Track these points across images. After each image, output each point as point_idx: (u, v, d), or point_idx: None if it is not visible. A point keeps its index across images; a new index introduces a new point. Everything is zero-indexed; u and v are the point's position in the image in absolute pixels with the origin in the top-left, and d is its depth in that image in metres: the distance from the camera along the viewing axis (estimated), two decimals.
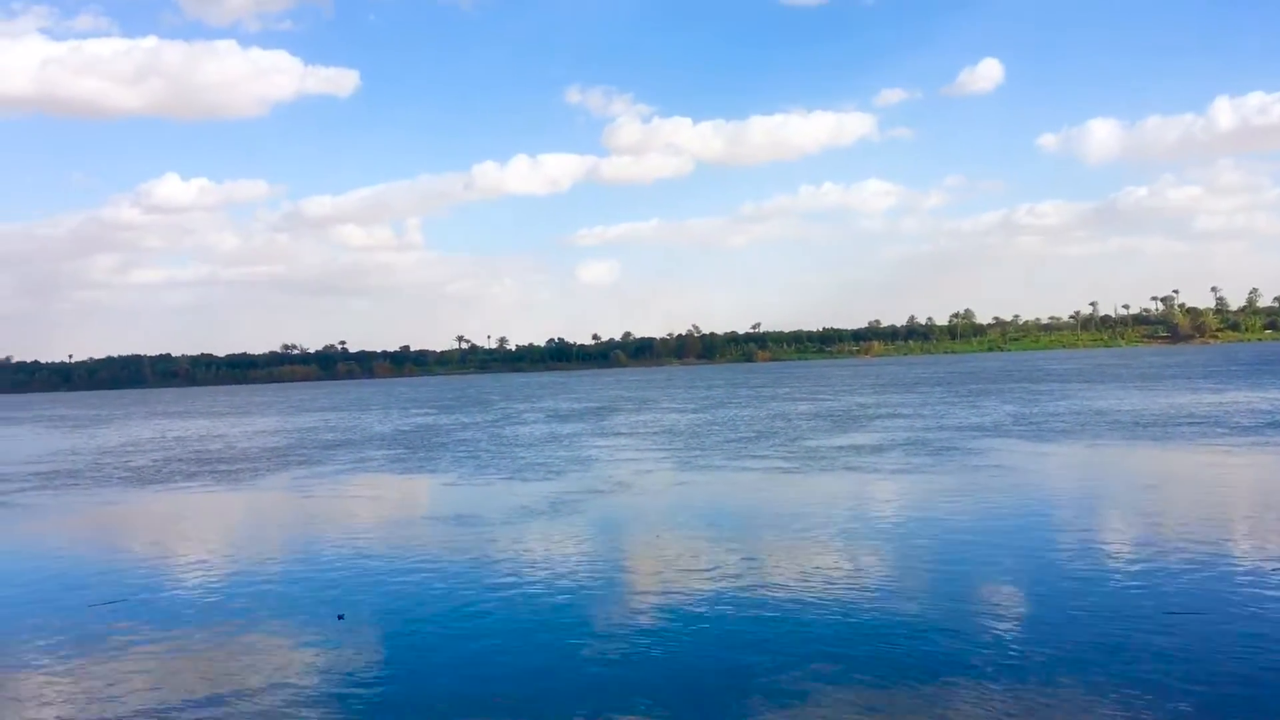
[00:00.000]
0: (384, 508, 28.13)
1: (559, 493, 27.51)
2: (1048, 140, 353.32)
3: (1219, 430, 36.80)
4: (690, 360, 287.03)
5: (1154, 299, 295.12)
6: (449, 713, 11.08)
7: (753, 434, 45.00)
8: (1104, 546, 17.93)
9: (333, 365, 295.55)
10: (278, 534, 24.32)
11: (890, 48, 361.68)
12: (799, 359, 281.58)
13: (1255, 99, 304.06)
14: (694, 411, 65.60)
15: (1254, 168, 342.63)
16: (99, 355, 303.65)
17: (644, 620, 14.31)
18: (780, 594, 15.33)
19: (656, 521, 23.03)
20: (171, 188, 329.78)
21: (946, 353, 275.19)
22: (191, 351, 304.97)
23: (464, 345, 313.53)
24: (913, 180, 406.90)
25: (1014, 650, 12.14)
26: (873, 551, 18.27)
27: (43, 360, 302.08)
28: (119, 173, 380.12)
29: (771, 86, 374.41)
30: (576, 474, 32.00)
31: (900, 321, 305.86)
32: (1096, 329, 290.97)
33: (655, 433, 48.76)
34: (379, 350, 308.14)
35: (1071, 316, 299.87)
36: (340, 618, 15.09)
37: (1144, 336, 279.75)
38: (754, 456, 35.18)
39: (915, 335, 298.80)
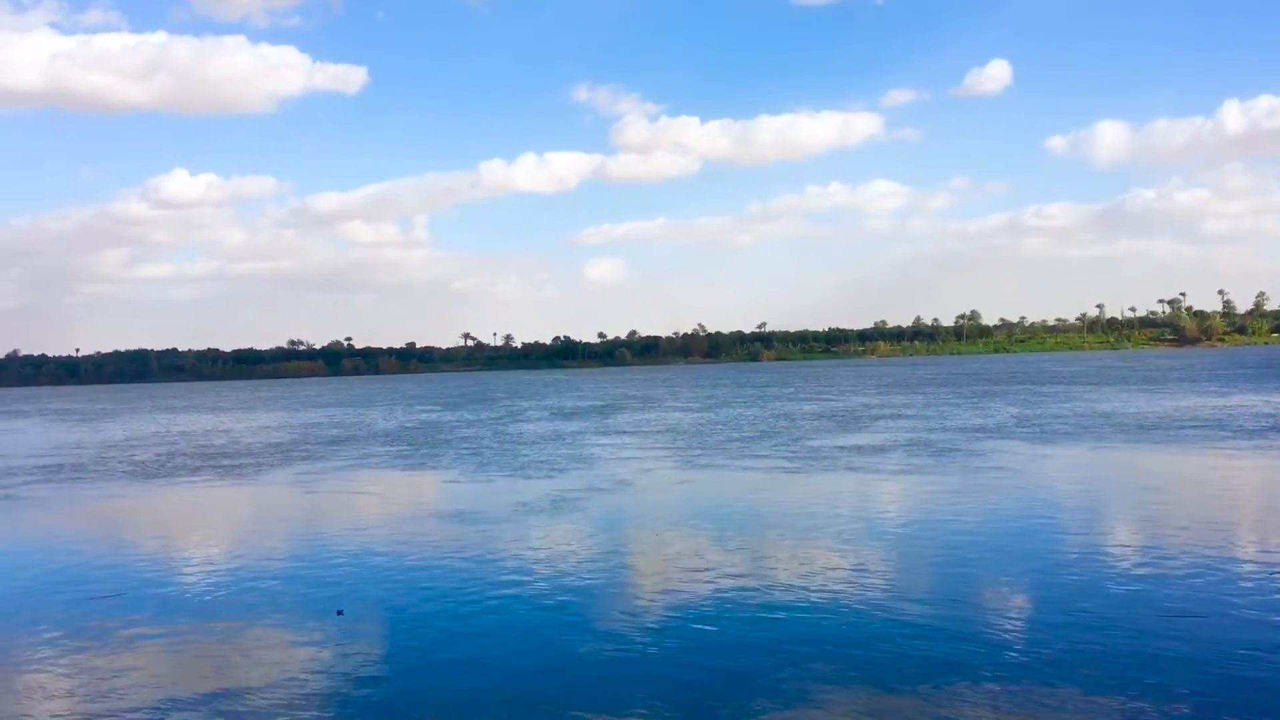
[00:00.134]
0: (386, 504, 28.17)
1: (560, 490, 27.55)
2: (1055, 142, 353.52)
3: (1223, 433, 36.73)
4: (696, 359, 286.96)
5: (1161, 302, 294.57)
6: (446, 710, 11.09)
7: (755, 433, 45.01)
8: (1105, 549, 17.91)
9: (339, 361, 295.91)
10: (279, 529, 24.37)
11: (898, 48, 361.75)
12: (804, 359, 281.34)
13: (1264, 102, 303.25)
14: (697, 410, 65.63)
15: (1262, 171, 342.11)
16: (106, 349, 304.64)
17: (643, 619, 14.31)
18: (780, 594, 15.34)
19: (657, 520, 23.05)
20: (180, 183, 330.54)
21: (952, 354, 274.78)
22: (198, 346, 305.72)
23: (470, 342, 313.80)
24: (920, 181, 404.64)
25: (1014, 652, 12.14)
26: (873, 552, 18.27)
27: (50, 354, 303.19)
28: (127, 168, 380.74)
29: (779, 86, 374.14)
30: (578, 472, 32.04)
31: (906, 322, 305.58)
32: (1103, 331, 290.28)
33: (658, 431, 48.79)
34: (385, 347, 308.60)
35: (1078, 319, 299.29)
36: (339, 613, 15.13)
37: (1150, 339, 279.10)
38: (756, 456, 35.19)
39: (921, 336, 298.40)
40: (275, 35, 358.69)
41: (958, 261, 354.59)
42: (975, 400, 64.07)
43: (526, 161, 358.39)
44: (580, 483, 29.19)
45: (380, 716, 10.92)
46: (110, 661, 13.11)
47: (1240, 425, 39.77)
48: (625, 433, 48.61)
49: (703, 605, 14.83)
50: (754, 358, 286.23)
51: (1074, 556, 17.29)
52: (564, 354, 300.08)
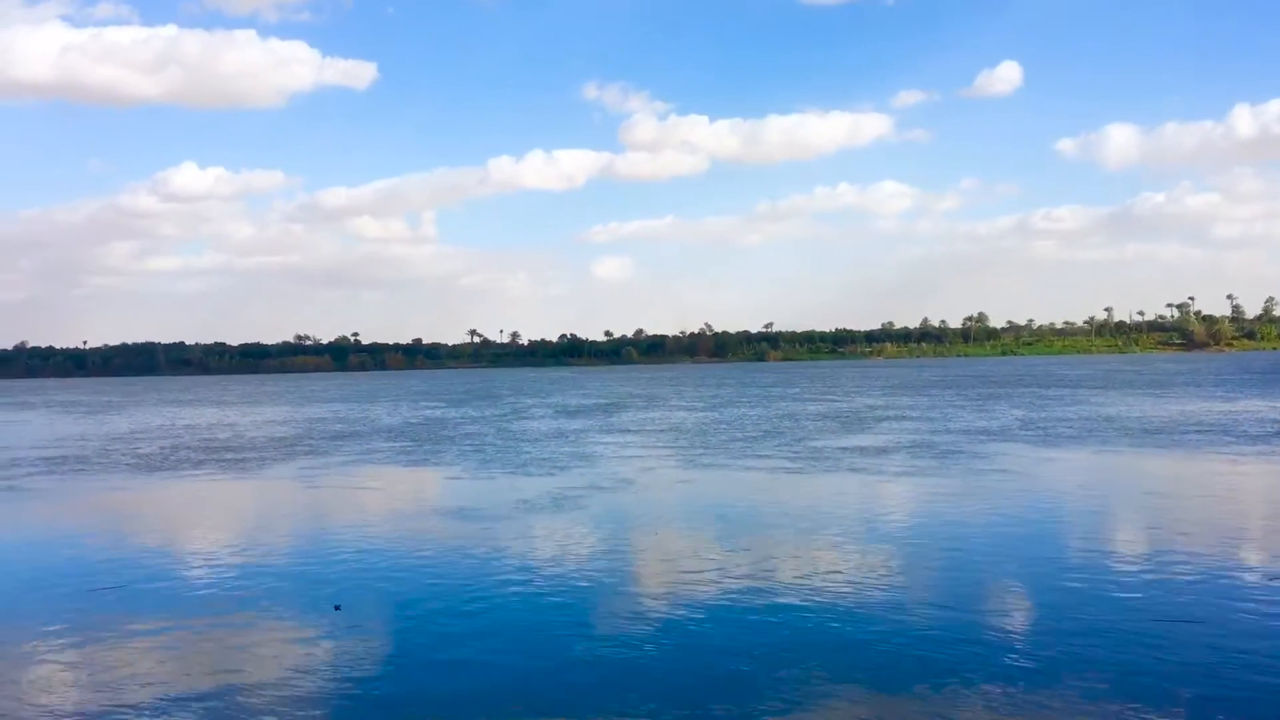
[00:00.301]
0: (387, 500, 28.20)
1: (561, 488, 27.56)
2: (1065, 144, 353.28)
3: (1227, 439, 36.63)
4: (702, 359, 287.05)
5: (1169, 306, 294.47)
6: (441, 709, 11.10)
7: (759, 433, 44.99)
8: (1105, 553, 17.86)
9: (345, 357, 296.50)
10: (281, 523, 24.42)
11: (908, 49, 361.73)
12: (811, 359, 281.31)
13: (1275, 106, 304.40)
14: (702, 410, 65.61)
15: (1273, 176, 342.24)
16: (114, 342, 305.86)
17: (641, 619, 14.30)
18: (780, 595, 15.32)
19: (658, 520, 23.05)
20: (188, 176, 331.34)
21: (959, 356, 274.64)
22: (205, 340, 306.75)
23: (476, 339, 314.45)
24: (928, 182, 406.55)
25: (1014, 655, 12.11)
26: (874, 554, 18.24)
27: (57, 346, 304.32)
28: (136, 160, 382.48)
29: (789, 86, 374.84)
30: (580, 470, 32.05)
31: (913, 324, 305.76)
32: (1111, 335, 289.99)
33: (662, 430, 48.80)
34: (391, 343, 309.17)
35: (1086, 322, 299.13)
36: (337, 608, 15.14)
37: (1159, 343, 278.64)
38: (758, 456, 35.17)
39: (928, 338, 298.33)
40: (285, 30, 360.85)
41: (966, 263, 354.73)
42: (980, 403, 63.98)
43: (535, 159, 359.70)
44: (582, 481, 29.20)
45: (372, 713, 10.93)
46: (108, 654, 13.14)
47: (1244, 431, 39.66)
48: (628, 431, 48.62)
49: (703, 606, 14.81)
50: (760, 358, 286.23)
51: (1074, 560, 17.26)
52: (570, 352, 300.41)
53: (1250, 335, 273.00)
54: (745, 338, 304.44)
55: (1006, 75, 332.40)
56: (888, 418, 52.72)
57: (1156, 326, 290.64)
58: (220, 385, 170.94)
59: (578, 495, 26.23)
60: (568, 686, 11.53)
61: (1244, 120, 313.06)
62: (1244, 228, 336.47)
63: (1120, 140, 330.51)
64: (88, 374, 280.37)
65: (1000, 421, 47.93)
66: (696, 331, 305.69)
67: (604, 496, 26.17)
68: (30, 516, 25.96)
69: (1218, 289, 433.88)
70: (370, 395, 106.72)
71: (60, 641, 13.76)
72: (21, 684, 12.08)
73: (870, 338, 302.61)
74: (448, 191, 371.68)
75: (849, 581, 16.02)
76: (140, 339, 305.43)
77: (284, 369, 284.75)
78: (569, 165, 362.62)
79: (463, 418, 62.33)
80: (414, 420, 60.92)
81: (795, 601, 14.87)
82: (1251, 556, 17.49)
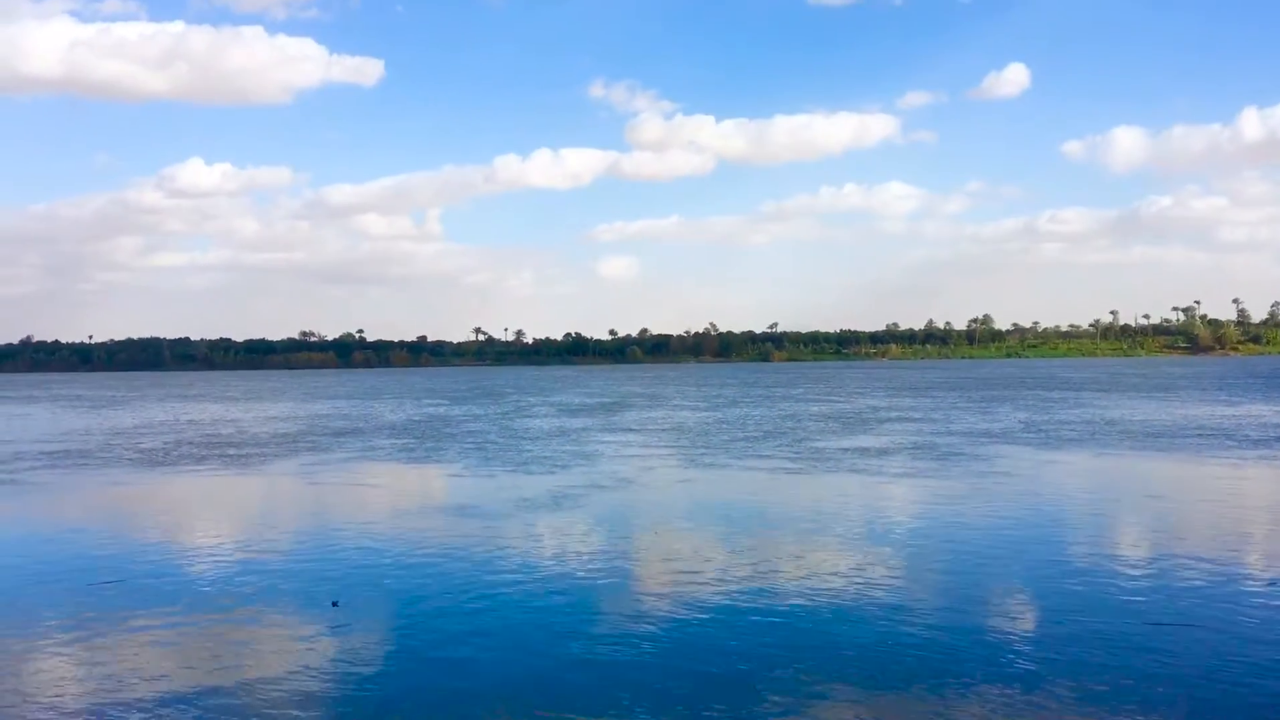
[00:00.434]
0: (387, 497, 28.27)
1: (561, 487, 27.59)
2: (1072, 147, 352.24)
3: (1228, 443, 36.59)
4: (706, 358, 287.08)
5: (1175, 309, 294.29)
6: (435, 705, 11.13)
7: (761, 434, 44.99)
8: (1103, 556, 17.85)
9: (350, 353, 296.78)
10: (281, 519, 24.48)
11: (916, 50, 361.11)
12: (815, 360, 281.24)
13: None
14: (705, 410, 65.62)
15: None
16: (119, 337, 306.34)
17: (639, 618, 14.31)
18: (777, 596, 15.32)
19: (657, 519, 23.09)
20: (195, 172, 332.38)
21: (964, 358, 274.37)
22: (210, 336, 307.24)
23: (481, 337, 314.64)
24: (934, 184, 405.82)
25: (1011, 659, 12.11)
26: (871, 555, 18.25)
27: (63, 340, 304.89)
28: (143, 156, 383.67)
29: (795, 86, 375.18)
30: (581, 469, 32.08)
31: (918, 325, 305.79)
32: (1116, 338, 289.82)
33: (664, 430, 48.81)
34: (396, 340, 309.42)
35: (1091, 325, 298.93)
36: (335, 604, 15.19)
37: (1164, 347, 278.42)
38: (760, 456, 35.18)
39: (933, 340, 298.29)
40: (293, 27, 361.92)
41: (971, 265, 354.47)
42: (983, 405, 63.94)
43: (541, 157, 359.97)
44: (582, 479, 29.22)
45: (366, 710, 10.96)
46: (107, 648, 13.17)
47: (1246, 435, 39.61)
48: (630, 430, 48.64)
49: (701, 606, 14.81)
50: (765, 358, 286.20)
51: (1073, 563, 17.24)
52: (575, 350, 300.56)
53: (1256, 339, 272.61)
54: (750, 338, 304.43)
55: (1013, 77, 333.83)
56: (890, 419, 52.70)
57: (1162, 330, 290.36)
58: (225, 381, 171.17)
59: (578, 494, 26.26)
60: (564, 685, 11.54)
61: (1252, 123, 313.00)
62: (1250, 231, 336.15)
63: (1127, 143, 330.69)
64: (93, 369, 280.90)
65: (1003, 424, 47.90)
66: (701, 331, 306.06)
67: (604, 495, 26.20)
68: (32, 511, 26.03)
69: (1224, 293, 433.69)
70: (374, 392, 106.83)
71: (59, 635, 13.80)
72: (21, 677, 12.13)
73: (875, 339, 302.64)
74: (454, 189, 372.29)
75: (848, 582, 16.03)
76: (146, 334, 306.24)
77: (289, 365, 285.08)
78: (575, 164, 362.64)
79: (465, 415, 62.39)
80: (416, 417, 60.99)
81: (794, 602, 14.88)
82: (1251, 560, 17.46)
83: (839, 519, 22.14)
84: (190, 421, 60.70)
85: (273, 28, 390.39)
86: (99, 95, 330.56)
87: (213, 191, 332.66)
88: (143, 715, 10.74)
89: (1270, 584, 15.62)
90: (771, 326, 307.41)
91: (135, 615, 14.73)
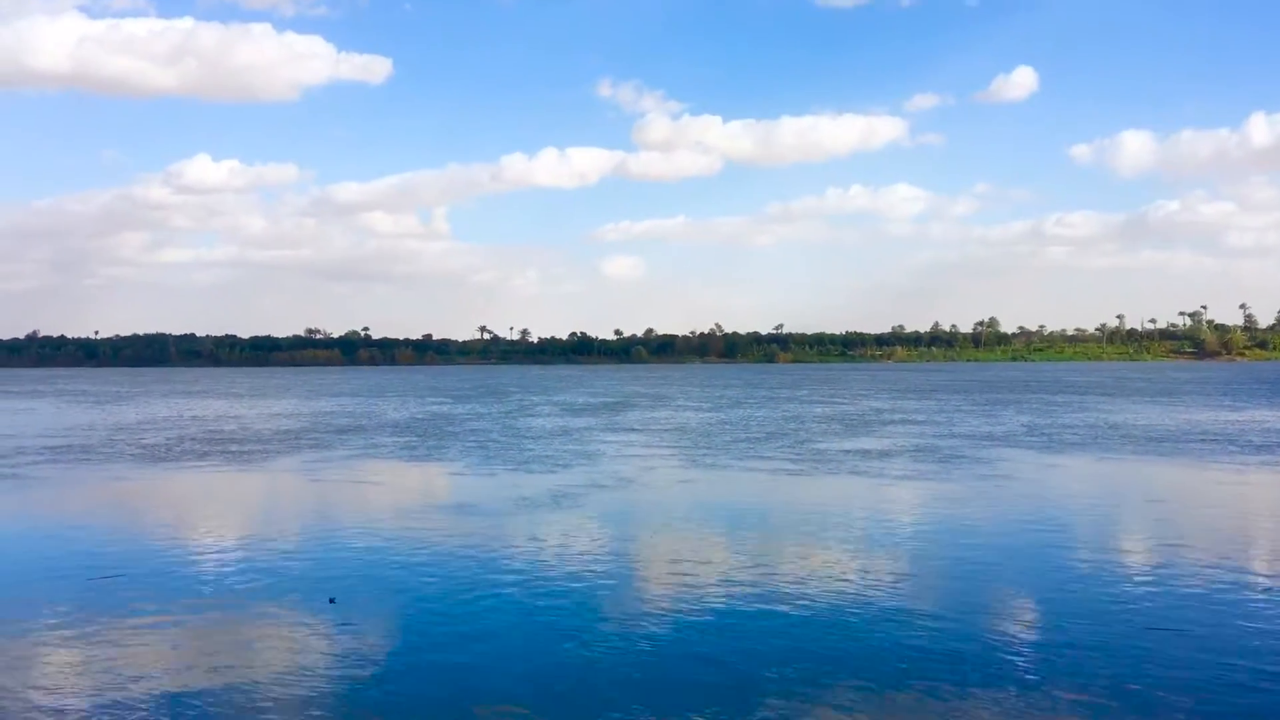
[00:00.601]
0: (388, 494, 28.31)
1: (562, 486, 27.60)
2: (1080, 150, 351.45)
3: (1231, 448, 36.52)
4: (712, 359, 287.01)
5: (1182, 314, 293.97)
6: (430, 704, 11.14)
7: (763, 435, 44.98)
8: (1103, 561, 17.81)
9: (355, 351, 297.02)
10: (280, 516, 24.52)
11: (923, 52, 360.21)
12: (821, 362, 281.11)
13: None
14: (708, 410, 65.61)
15: None
16: (125, 332, 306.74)
17: (637, 619, 14.32)
18: (777, 596, 15.32)
19: (656, 519, 23.10)
20: (202, 168, 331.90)
21: (969, 361, 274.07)
22: (216, 332, 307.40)
23: (486, 336, 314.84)
24: (941, 186, 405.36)
25: (1008, 664, 12.10)
26: (869, 558, 18.24)
27: (69, 335, 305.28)
28: (151, 152, 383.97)
29: (803, 88, 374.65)
30: (581, 468, 32.09)
31: (924, 328, 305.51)
32: (1122, 342, 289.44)
33: (666, 430, 48.81)
34: (401, 338, 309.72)
35: (1098, 329, 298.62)
36: (332, 601, 15.21)
37: (1170, 352, 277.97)
38: (761, 457, 35.17)
39: (939, 342, 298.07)
40: (301, 24, 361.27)
41: (978, 268, 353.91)
42: (987, 408, 63.86)
43: (548, 156, 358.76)
44: (582, 479, 29.24)
45: (360, 709, 10.98)
46: (104, 643, 13.20)
47: (1249, 440, 39.54)
48: (633, 430, 48.65)
49: (700, 607, 14.81)
50: (770, 359, 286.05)
51: (1072, 568, 17.22)
52: (580, 350, 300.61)
53: (1263, 345, 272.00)
54: (755, 339, 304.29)
55: (1022, 80, 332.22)
56: (893, 421, 52.66)
57: (1168, 335, 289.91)
58: (229, 377, 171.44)
59: (578, 493, 26.27)
60: (563, 686, 11.54)
61: (1260, 129, 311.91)
62: (1258, 237, 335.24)
63: (1135, 147, 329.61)
64: (99, 364, 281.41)
65: (1006, 427, 47.84)
66: (706, 332, 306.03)
67: (604, 495, 26.20)
68: (33, 505, 26.08)
69: (1230, 298, 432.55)
70: (378, 390, 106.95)
71: (58, 630, 13.84)
72: (19, 671, 12.16)
73: (880, 341, 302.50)
74: (460, 187, 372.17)
75: (848, 585, 16.01)
76: (151, 330, 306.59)
77: (294, 362, 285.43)
78: (582, 163, 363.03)
79: (468, 414, 62.43)
80: (420, 415, 61.04)
81: (794, 605, 14.85)
82: (1252, 566, 17.41)
83: (839, 521, 22.12)
84: (194, 417, 60.80)
85: (281, 25, 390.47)
86: (107, 91, 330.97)
87: (220, 188, 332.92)
88: (139, 711, 10.77)
89: (1271, 591, 15.58)
90: (777, 328, 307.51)
91: (133, 611, 14.75)
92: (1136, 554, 18.59)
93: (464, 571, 17.21)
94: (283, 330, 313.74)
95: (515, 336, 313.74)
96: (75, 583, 16.60)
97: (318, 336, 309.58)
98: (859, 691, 11.17)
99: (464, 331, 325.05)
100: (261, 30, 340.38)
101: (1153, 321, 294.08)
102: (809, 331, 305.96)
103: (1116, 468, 31.86)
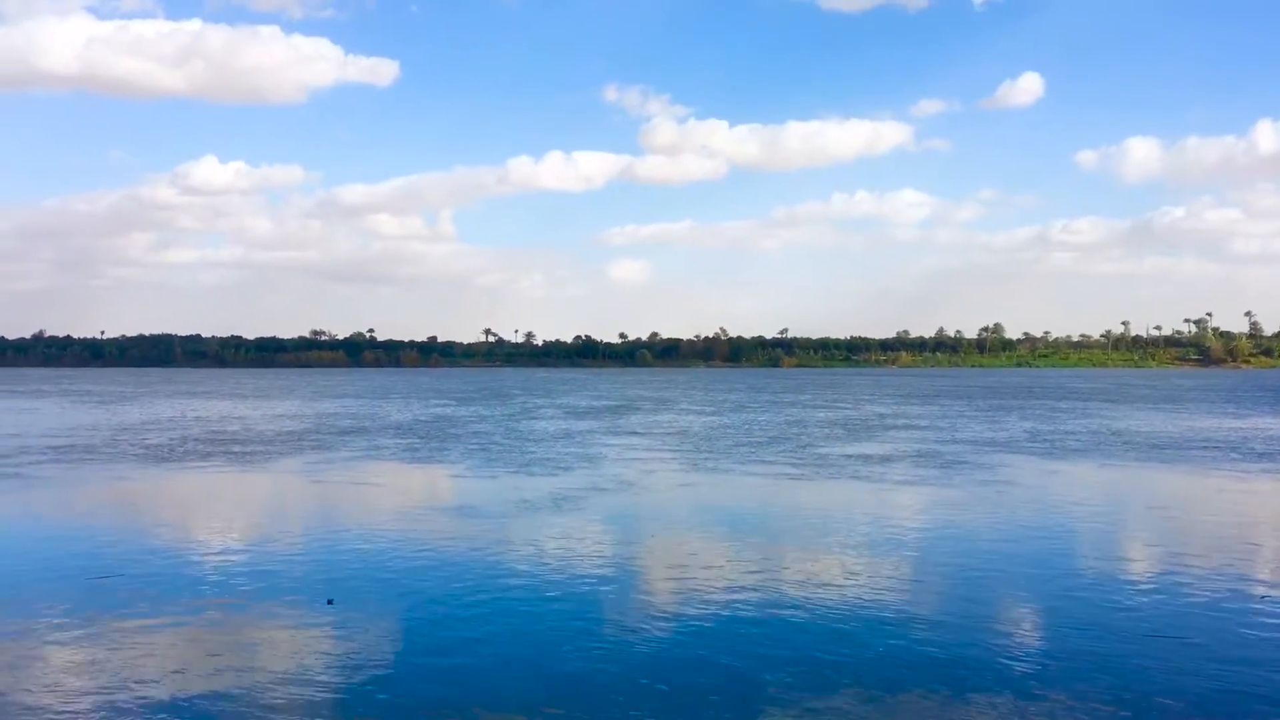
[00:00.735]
0: (388, 496, 28.34)
1: (562, 489, 27.63)
2: (1086, 157, 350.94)
3: (1233, 455, 36.48)
4: (716, 363, 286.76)
5: (1187, 321, 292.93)
6: (425, 705, 11.17)
7: (765, 439, 44.98)
8: (1101, 568, 17.83)
9: (360, 353, 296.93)
10: (281, 517, 24.58)
11: (930, 58, 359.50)
12: (825, 366, 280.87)
13: None
14: (711, 414, 65.61)
15: None
16: (131, 333, 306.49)
17: (634, 622, 14.34)
18: (774, 601, 15.35)
19: (655, 523, 23.14)
20: (209, 169, 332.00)
21: (974, 366, 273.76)
22: (221, 333, 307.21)
23: (491, 338, 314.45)
24: (947, 192, 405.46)
25: (1005, 670, 12.11)
26: (868, 563, 18.25)
27: (75, 335, 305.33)
28: (157, 153, 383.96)
29: (809, 92, 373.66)
30: (582, 471, 32.12)
31: (929, 333, 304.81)
32: (1127, 349, 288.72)
33: (668, 433, 48.83)
34: (406, 340, 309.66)
35: (1102, 335, 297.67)
36: (330, 602, 15.25)
37: (1175, 358, 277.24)
38: (762, 461, 35.19)
39: (943, 348, 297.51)
40: (309, 26, 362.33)
41: (983, 274, 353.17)
42: (990, 413, 63.82)
43: (554, 159, 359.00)
44: (583, 482, 29.27)
45: (352, 711, 11.02)
46: (102, 643, 13.26)
47: (1251, 448, 39.48)
48: (635, 433, 48.67)
49: (696, 611, 14.85)
50: (775, 363, 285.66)
51: (1071, 574, 17.23)
52: (585, 353, 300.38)
53: (1268, 352, 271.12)
54: (760, 343, 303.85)
55: (1028, 86, 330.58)
56: (895, 426, 52.64)
57: (1173, 341, 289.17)
58: (234, 378, 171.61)
59: (578, 496, 26.30)
60: (560, 690, 11.57)
61: (1267, 136, 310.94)
62: (1264, 244, 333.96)
63: (1141, 153, 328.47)
64: (105, 364, 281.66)
65: (1008, 433, 47.81)
66: (711, 336, 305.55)
67: (604, 498, 26.23)
68: (33, 505, 26.16)
69: (1236, 305, 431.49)
70: (382, 392, 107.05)
71: (57, 629, 13.90)
72: (18, 670, 12.22)
73: (885, 346, 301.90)
74: (466, 190, 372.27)
75: (847, 590, 16.04)
76: (157, 330, 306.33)
77: (299, 363, 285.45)
78: (588, 167, 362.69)
79: (471, 416, 62.49)
80: (423, 417, 61.10)
81: (793, 609, 14.87)
82: (1252, 575, 17.38)
83: (840, 527, 22.13)
84: (197, 418, 60.90)
85: (289, 27, 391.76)
86: (114, 92, 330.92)
87: (226, 189, 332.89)
88: (138, 712, 10.82)
89: (1271, 599, 15.57)
90: (782, 332, 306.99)
91: (133, 611, 14.80)
92: (1136, 561, 18.59)
93: (464, 574, 17.25)
94: (288, 331, 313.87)
95: (520, 339, 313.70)
96: (76, 583, 16.67)
97: (323, 338, 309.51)
98: (859, 698, 11.18)
99: (469, 334, 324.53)
100: (269, 32, 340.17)
101: (1158, 328, 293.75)
102: (814, 336, 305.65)
103: (1118, 474, 31.84)
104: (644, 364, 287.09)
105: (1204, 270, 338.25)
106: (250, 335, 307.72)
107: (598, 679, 11.84)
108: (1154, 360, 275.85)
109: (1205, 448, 39.66)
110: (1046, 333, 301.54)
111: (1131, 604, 15.11)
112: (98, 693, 11.30)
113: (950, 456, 36.28)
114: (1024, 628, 14.11)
